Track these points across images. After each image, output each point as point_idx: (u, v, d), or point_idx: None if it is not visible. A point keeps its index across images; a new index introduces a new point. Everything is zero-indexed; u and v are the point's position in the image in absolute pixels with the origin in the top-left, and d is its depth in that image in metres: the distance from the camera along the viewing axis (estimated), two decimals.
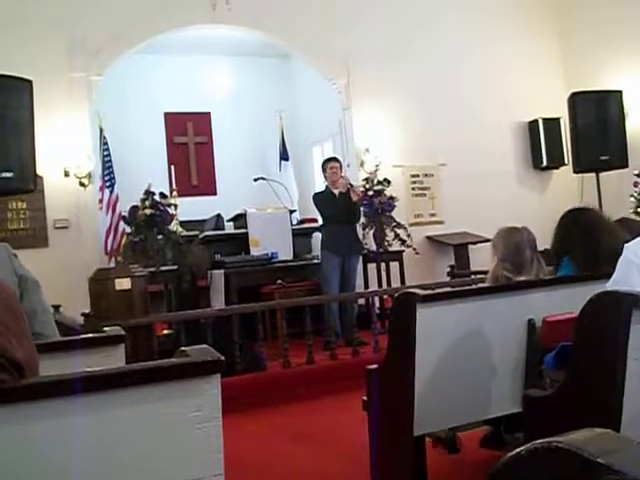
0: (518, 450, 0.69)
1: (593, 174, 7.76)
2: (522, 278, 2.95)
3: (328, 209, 6.56)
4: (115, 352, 2.08)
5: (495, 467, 0.71)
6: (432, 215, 8.38)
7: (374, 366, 2.88)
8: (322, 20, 7.86)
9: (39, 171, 5.70)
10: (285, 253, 6.81)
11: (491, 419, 2.96)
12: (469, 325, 2.73)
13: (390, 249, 7.32)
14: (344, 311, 6.29)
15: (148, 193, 6.52)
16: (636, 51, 7.88)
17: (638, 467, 0.62)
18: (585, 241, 2.91)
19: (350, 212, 6.53)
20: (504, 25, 8.77)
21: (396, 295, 2.81)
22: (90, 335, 2.21)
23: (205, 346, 1.44)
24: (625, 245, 2.36)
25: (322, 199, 6.65)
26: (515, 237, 2.97)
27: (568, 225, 3.01)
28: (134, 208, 6.56)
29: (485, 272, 3.59)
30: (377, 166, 7.81)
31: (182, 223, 7.66)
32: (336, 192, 6.54)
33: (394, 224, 7.29)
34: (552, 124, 8.72)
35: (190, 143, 9.83)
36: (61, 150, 6.82)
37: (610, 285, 2.29)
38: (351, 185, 6.53)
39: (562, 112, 8.19)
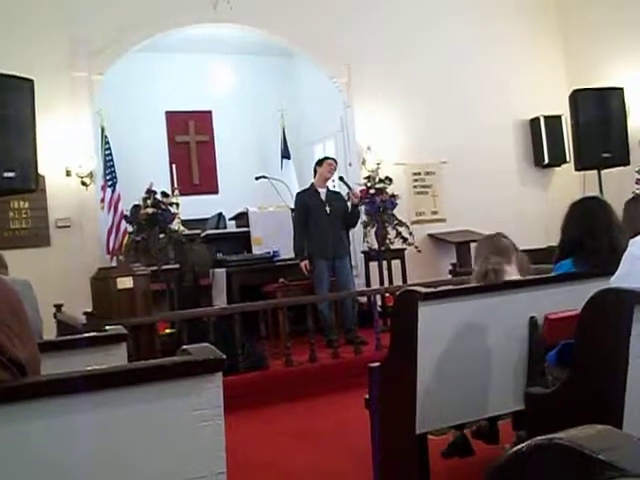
0: (519, 446, 0.69)
1: (595, 171, 7.73)
2: (512, 265, 2.95)
3: (311, 207, 6.33)
4: (117, 351, 2.08)
5: (497, 463, 0.71)
6: (434, 213, 8.37)
7: (376, 364, 2.88)
8: (324, 18, 7.85)
9: (41, 170, 5.69)
10: (287, 252, 6.81)
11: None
12: (471, 323, 2.73)
13: (392, 247, 7.31)
14: (344, 310, 6.25)
15: (150, 192, 6.52)
16: (637, 48, 7.85)
17: (639, 464, 0.62)
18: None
19: (343, 214, 6.41)
20: (506, 24, 8.74)
21: (398, 293, 2.81)
22: (92, 334, 2.21)
23: (207, 345, 1.45)
24: (631, 240, 2.33)
25: (305, 198, 6.41)
26: (486, 236, 3.22)
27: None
28: (136, 207, 6.56)
29: None
30: (379, 164, 7.81)
31: (184, 222, 7.65)
32: (321, 191, 6.43)
33: (396, 222, 7.27)
34: (554, 121, 8.70)
35: (192, 142, 9.83)
36: (63, 149, 6.81)
37: (614, 280, 2.27)
38: (350, 188, 6.47)
39: (564, 109, 8.17)
